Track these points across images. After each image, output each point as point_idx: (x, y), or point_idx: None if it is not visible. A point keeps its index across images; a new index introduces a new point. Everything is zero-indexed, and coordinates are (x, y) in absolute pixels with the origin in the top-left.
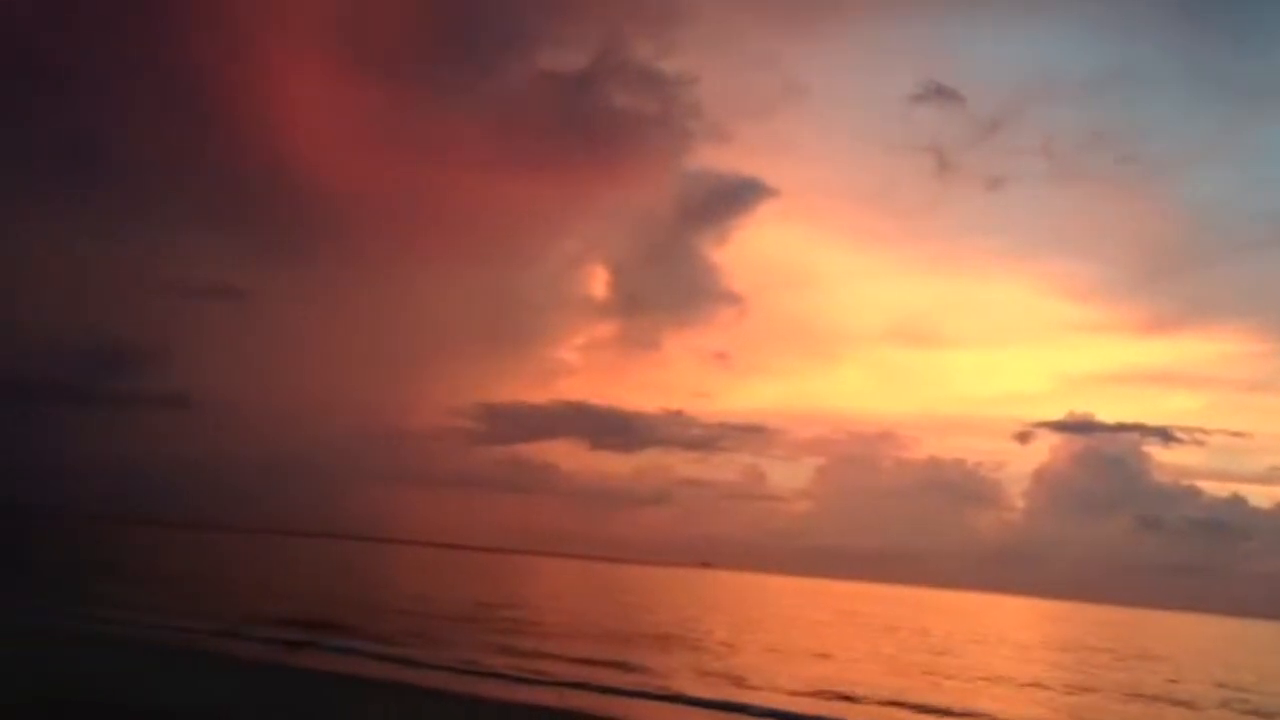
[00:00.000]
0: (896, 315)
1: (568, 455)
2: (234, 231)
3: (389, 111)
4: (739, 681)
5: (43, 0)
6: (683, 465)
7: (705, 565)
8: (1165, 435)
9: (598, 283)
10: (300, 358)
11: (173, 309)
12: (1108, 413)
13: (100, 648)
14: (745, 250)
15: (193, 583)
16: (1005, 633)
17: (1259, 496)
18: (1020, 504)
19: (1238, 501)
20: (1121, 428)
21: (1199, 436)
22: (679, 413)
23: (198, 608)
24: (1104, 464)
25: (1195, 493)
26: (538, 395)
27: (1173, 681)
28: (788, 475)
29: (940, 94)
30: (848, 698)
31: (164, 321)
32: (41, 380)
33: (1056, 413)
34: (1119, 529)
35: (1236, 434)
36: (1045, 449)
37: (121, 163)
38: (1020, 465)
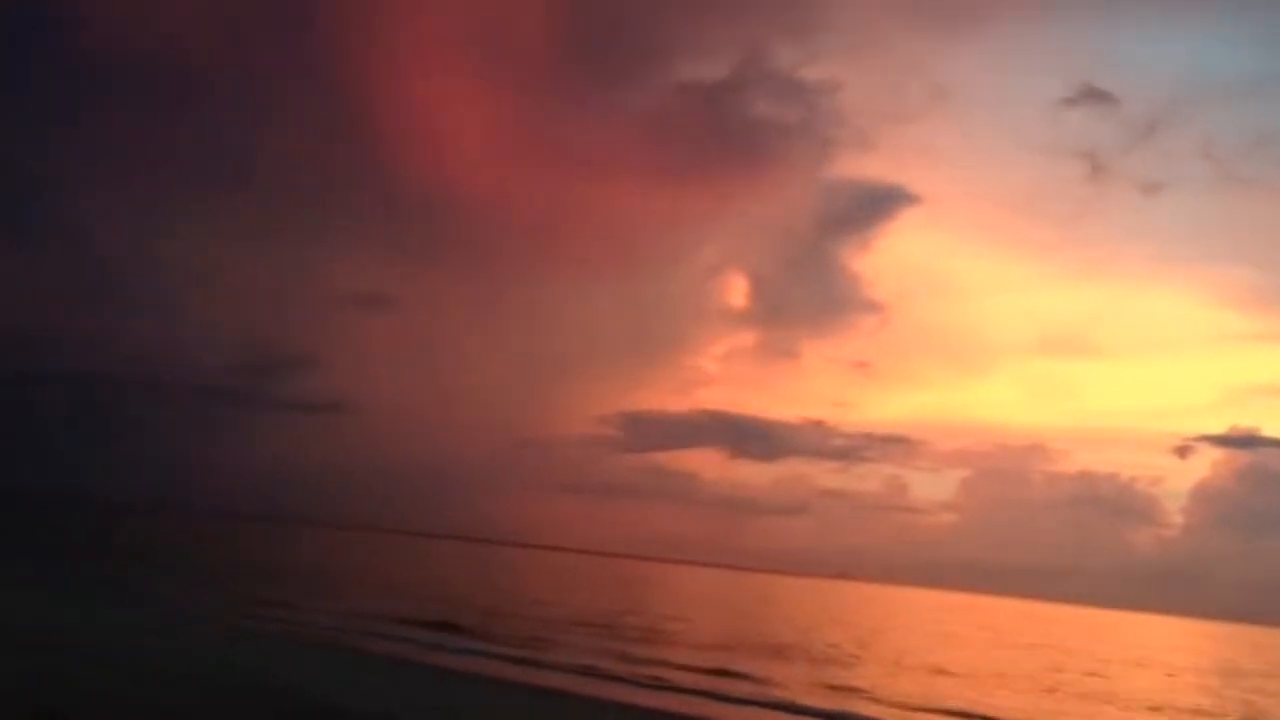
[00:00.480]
0: (1047, 324)
1: (707, 464)
2: (385, 241)
3: (533, 122)
4: (860, 694)
5: (205, 22)
6: (823, 475)
7: (843, 577)
8: None
9: (738, 291)
10: (448, 365)
11: (327, 316)
12: (1274, 426)
13: (256, 642)
14: (887, 258)
15: (342, 582)
16: (1155, 654)
17: None
18: (1178, 521)
19: None
20: None
21: None
22: (819, 422)
23: (345, 606)
24: (1270, 480)
25: None
26: (678, 404)
27: None
28: (931, 487)
29: (1093, 96)
30: (969, 716)
31: (318, 329)
32: (203, 383)
33: (1218, 426)
34: None
35: None
36: (1206, 464)
37: (278, 175)
38: (1179, 481)
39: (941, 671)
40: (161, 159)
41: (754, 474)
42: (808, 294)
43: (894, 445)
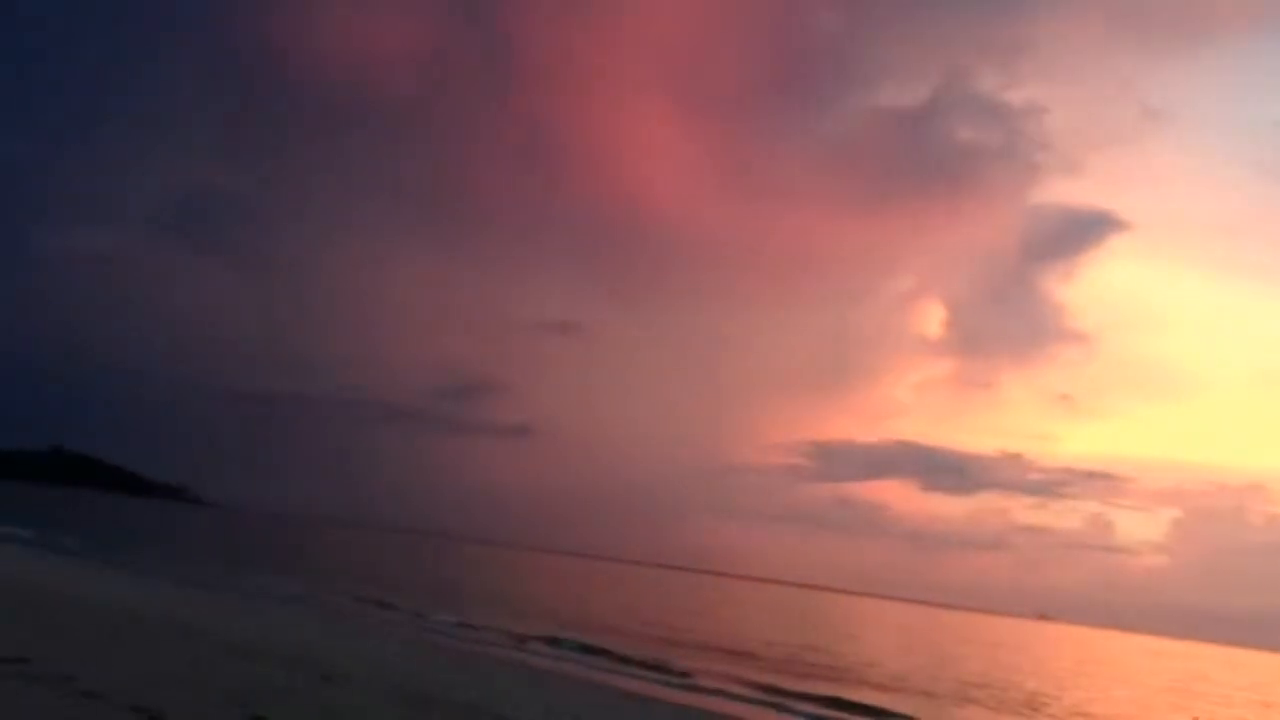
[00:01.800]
0: (1268, 355)
1: (898, 495)
2: (575, 269)
3: (728, 152)
4: None
5: (407, 57)
6: (1020, 511)
7: (1043, 618)
8: None
9: (933, 320)
10: (636, 391)
11: (518, 342)
12: None
13: (436, 656)
14: (1093, 286)
15: (517, 602)
16: None
17: None
18: None
19: None
20: None
21: None
22: (1018, 456)
23: (515, 626)
24: None
25: None
26: (869, 434)
27: None
28: (1139, 526)
29: None
30: None
31: (510, 354)
32: (398, 406)
33: None
34: None
35: None
36: None
37: (473, 205)
38: None
39: (1082, 714)
40: (364, 191)
41: (947, 507)
42: (1008, 323)
43: (1097, 481)
